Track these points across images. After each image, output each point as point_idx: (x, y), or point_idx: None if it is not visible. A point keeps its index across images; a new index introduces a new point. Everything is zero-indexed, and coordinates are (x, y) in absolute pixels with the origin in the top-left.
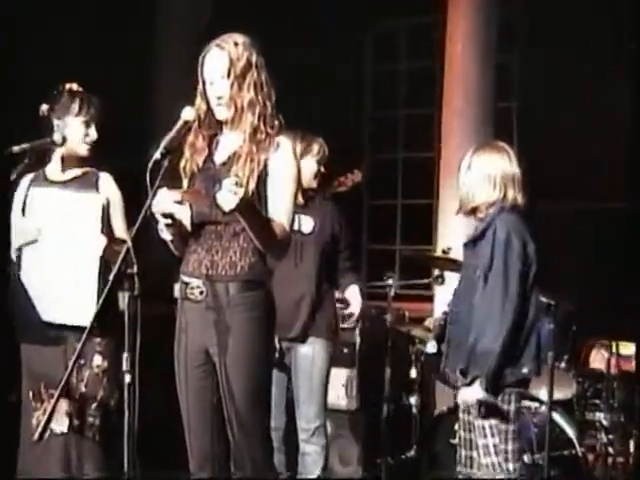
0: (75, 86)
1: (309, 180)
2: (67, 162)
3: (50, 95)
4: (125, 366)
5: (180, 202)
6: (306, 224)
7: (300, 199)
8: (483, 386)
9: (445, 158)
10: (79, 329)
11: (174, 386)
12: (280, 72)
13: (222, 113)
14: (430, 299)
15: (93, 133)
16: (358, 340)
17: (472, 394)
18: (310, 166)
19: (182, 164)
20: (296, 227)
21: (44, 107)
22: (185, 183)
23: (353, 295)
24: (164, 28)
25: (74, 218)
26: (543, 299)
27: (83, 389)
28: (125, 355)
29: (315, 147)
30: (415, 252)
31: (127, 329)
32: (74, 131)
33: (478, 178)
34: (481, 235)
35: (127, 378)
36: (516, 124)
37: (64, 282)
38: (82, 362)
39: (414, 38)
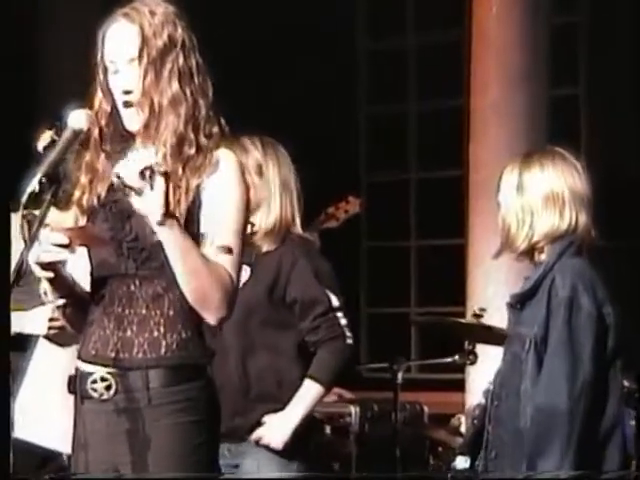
0: None
1: None
2: None
3: None
4: None
5: (68, 246)
6: None
7: None
8: None
9: (477, 175)
10: None
11: None
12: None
13: (132, 117)
14: (459, 386)
15: None
16: (354, 450)
17: None
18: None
19: (76, 195)
20: None
21: None
22: (81, 222)
23: None
24: None
25: None
26: (626, 383)
27: None
28: None
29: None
30: (435, 316)
31: None
32: None
33: (536, 201)
34: (532, 291)
35: None
36: (583, 119)
37: None
38: None
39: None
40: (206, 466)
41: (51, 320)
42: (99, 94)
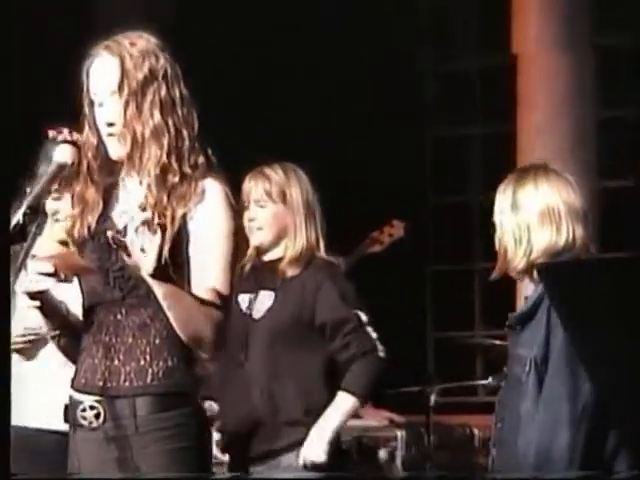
0: None
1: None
2: None
3: None
4: None
5: (54, 274)
6: (261, 305)
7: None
8: None
9: None
10: None
11: None
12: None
13: (115, 148)
14: None
15: None
16: (401, 475)
17: None
18: None
19: (67, 225)
20: (245, 309)
21: None
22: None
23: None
24: None
25: None
26: None
27: None
28: None
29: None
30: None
31: None
32: None
33: (532, 218)
34: (532, 311)
35: None
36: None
37: None
38: None
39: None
40: None
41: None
42: (86, 127)
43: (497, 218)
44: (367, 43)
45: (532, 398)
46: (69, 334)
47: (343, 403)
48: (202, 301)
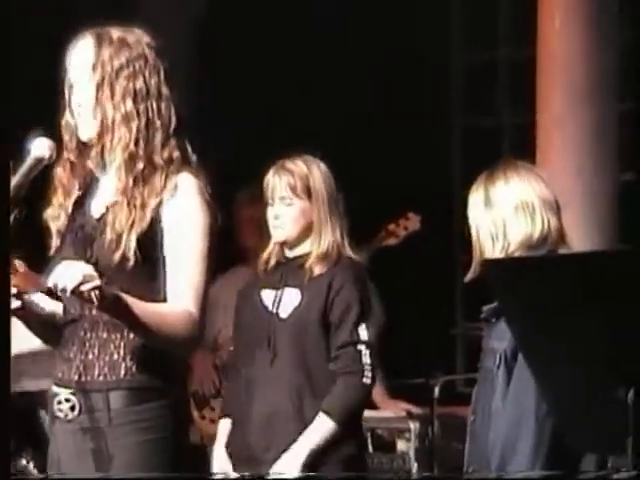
0: None
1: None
2: None
3: None
4: None
5: (19, 295)
6: (287, 303)
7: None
8: None
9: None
10: None
11: None
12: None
13: (83, 128)
14: None
15: None
16: (415, 467)
17: None
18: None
19: (48, 215)
20: (270, 307)
21: None
22: (54, 244)
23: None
24: None
25: None
26: None
27: None
28: None
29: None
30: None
31: None
32: None
33: (506, 212)
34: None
35: None
36: None
37: None
38: None
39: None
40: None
41: None
42: (66, 109)
43: (472, 218)
44: (394, 34)
45: (501, 392)
46: (55, 333)
47: (321, 427)
48: (171, 308)
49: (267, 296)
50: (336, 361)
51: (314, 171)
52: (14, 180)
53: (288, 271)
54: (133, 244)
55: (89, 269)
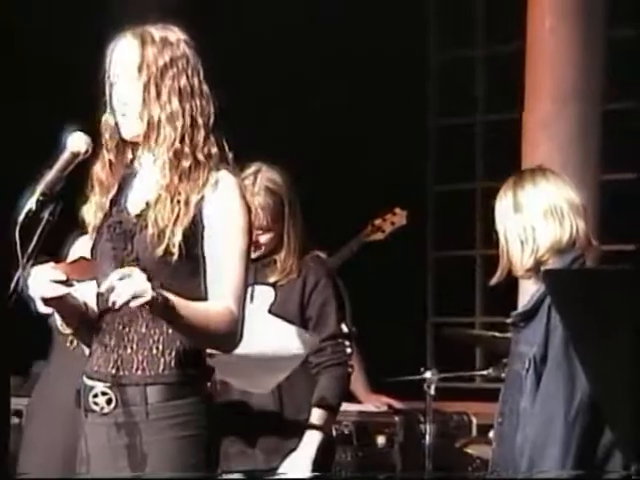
0: None
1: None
2: None
3: None
4: None
5: (66, 282)
6: (262, 301)
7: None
8: None
9: None
10: None
11: None
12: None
13: (127, 128)
14: None
15: None
16: (399, 461)
17: None
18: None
19: (85, 211)
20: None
21: None
22: (90, 241)
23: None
24: None
25: None
26: None
27: None
28: None
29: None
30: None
31: None
32: None
33: (535, 216)
34: (534, 310)
35: None
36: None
37: None
38: None
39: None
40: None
41: None
42: (108, 110)
43: (500, 224)
44: (374, 32)
45: (530, 395)
46: (87, 327)
47: (320, 418)
48: (214, 305)
49: None
50: (322, 354)
51: (277, 181)
52: (49, 175)
53: (257, 269)
54: (178, 238)
55: (142, 283)
